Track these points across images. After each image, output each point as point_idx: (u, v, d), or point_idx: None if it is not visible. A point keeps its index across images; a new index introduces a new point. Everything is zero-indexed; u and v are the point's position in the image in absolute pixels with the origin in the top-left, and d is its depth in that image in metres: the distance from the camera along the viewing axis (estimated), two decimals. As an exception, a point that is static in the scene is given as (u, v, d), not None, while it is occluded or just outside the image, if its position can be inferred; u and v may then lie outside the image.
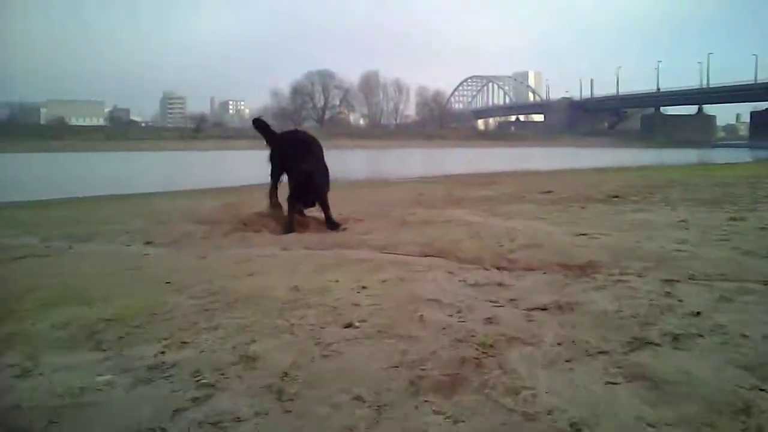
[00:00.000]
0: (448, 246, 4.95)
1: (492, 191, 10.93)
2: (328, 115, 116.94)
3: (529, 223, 6.31)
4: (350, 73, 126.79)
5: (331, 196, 6.98)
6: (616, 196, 9.00)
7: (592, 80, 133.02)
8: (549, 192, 10.13)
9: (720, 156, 41.61)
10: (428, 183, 14.73)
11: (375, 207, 8.74)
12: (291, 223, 6.81)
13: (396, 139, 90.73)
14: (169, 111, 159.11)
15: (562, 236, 5.37)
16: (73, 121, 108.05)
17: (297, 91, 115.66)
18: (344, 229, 6.69)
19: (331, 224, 6.89)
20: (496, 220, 6.78)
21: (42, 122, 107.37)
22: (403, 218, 7.16)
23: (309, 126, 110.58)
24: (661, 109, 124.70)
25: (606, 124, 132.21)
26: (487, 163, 32.44)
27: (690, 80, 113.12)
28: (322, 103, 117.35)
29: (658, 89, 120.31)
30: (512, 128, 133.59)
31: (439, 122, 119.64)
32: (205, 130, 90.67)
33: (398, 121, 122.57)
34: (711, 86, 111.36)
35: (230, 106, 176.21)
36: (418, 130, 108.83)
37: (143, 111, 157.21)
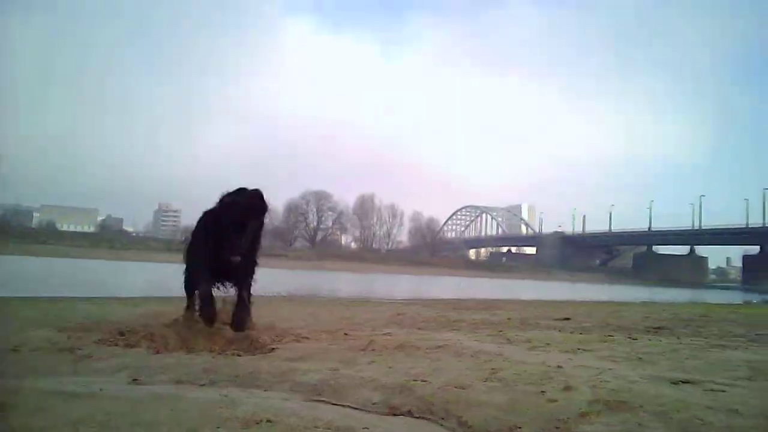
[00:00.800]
0: (442, 395, 2.83)
1: (494, 316, 9.32)
2: (320, 236, 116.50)
3: (575, 358, 4.26)
4: (346, 195, 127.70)
5: (285, 309, 5.40)
6: (660, 328, 7.28)
7: (584, 216, 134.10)
8: (566, 319, 8.60)
9: (714, 297, 40.29)
10: (414, 304, 13.02)
11: (335, 325, 7.08)
12: (207, 310, 5.72)
13: (387, 264, 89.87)
14: (163, 222, 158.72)
15: (652, 385, 3.20)
16: (65, 227, 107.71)
17: (291, 209, 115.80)
18: (270, 350, 5.12)
19: (239, 322, 5.69)
20: (519, 350, 4.83)
21: (33, 226, 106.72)
22: (370, 340, 5.37)
23: (300, 246, 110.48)
24: (654, 248, 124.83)
25: (597, 261, 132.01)
26: (480, 291, 31.03)
27: (682, 221, 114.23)
28: (315, 223, 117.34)
29: (650, 228, 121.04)
30: (504, 259, 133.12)
31: (431, 249, 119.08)
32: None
33: (390, 246, 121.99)
34: (703, 227, 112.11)
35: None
36: (410, 256, 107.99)
37: (137, 221, 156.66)
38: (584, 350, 4.83)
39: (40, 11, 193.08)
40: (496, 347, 5.03)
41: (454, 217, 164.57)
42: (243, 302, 5.83)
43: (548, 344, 5.29)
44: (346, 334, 5.96)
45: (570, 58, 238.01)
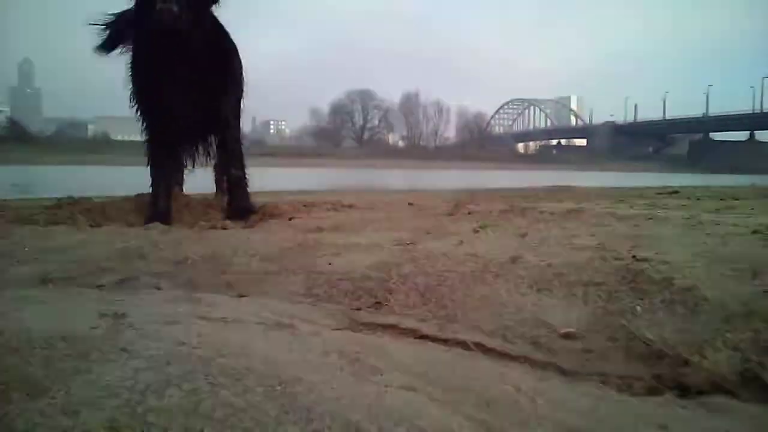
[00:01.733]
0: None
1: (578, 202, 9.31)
2: (366, 135, 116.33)
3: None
4: (390, 94, 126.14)
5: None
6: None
7: (636, 105, 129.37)
8: (676, 192, 8.38)
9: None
10: (470, 192, 12.78)
11: (375, 202, 6.72)
12: (157, 204, 4.26)
13: (435, 160, 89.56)
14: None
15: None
16: (119, 137, 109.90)
17: (336, 110, 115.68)
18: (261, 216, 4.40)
19: (239, 207, 4.42)
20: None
21: (88, 138, 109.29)
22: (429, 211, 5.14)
23: (348, 146, 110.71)
24: (711, 134, 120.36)
25: (651, 149, 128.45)
26: (535, 181, 30.65)
27: (741, 104, 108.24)
28: (361, 122, 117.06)
29: (707, 114, 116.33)
30: (554, 152, 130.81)
31: (479, 144, 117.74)
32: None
33: (438, 143, 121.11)
34: (764, 111, 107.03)
35: (271, 126, 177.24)
36: (458, 152, 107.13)
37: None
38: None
39: None
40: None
41: (501, 110, 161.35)
42: (236, 180, 4.60)
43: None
44: (390, 205, 5.66)
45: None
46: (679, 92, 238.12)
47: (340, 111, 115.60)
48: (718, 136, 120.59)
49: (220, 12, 4.27)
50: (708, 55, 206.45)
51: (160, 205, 4.28)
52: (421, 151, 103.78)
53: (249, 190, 4.85)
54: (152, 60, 3.94)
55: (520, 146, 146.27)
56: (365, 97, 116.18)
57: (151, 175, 4.51)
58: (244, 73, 4.88)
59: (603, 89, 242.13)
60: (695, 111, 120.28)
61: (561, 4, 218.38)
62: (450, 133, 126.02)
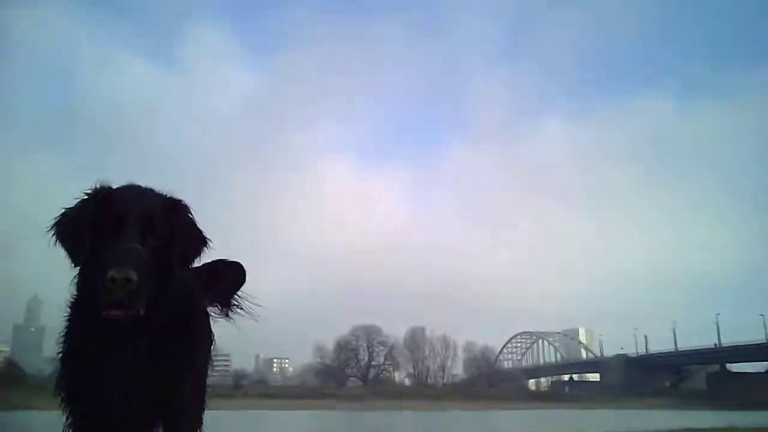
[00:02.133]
0: None
1: None
2: (372, 373, 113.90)
3: None
4: (396, 329, 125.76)
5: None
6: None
7: (645, 336, 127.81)
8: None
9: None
10: None
11: None
12: None
13: (442, 400, 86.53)
14: (215, 368, 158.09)
15: None
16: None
17: (341, 346, 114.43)
18: None
19: None
20: None
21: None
22: None
23: (353, 384, 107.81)
24: (728, 366, 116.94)
25: (667, 383, 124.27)
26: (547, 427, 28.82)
27: (752, 334, 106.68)
28: (366, 359, 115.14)
29: (720, 344, 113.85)
30: (566, 388, 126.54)
31: (488, 381, 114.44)
32: (244, 387, 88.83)
33: (445, 380, 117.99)
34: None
35: (274, 364, 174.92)
36: (466, 389, 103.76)
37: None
38: None
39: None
40: None
41: (509, 344, 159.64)
42: None
43: None
44: None
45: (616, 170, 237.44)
46: (687, 322, 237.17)
47: (344, 348, 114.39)
48: (735, 367, 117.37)
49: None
50: (715, 283, 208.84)
51: None
52: (428, 390, 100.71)
53: None
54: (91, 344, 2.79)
55: (531, 382, 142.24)
56: (371, 332, 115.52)
57: None
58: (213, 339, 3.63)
59: (610, 321, 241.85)
60: (706, 341, 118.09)
61: (561, 235, 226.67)
62: (458, 368, 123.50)
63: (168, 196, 3.07)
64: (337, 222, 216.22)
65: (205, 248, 3.13)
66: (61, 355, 2.98)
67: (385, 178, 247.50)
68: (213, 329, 3.67)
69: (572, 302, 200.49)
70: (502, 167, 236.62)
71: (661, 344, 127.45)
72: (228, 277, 3.91)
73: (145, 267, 2.61)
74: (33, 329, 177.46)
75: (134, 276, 2.50)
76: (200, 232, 3.14)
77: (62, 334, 3.01)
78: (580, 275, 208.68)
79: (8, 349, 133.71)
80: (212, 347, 3.67)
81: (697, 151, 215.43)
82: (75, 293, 2.93)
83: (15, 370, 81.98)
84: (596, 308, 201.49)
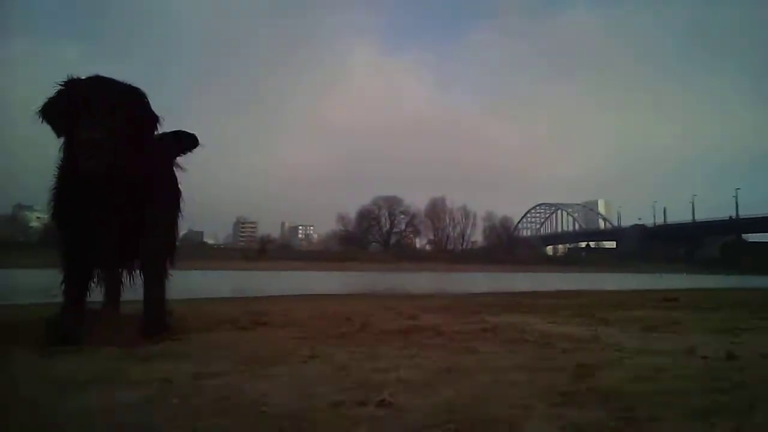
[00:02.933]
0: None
1: (584, 300, 8.98)
2: (393, 239, 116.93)
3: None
4: (417, 199, 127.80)
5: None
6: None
7: (665, 208, 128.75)
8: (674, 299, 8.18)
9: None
10: (480, 296, 12.58)
11: (336, 314, 6.43)
12: (64, 324, 3.93)
13: (461, 264, 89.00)
14: (241, 234, 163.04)
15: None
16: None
17: (363, 215, 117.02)
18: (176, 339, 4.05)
19: (151, 324, 4.15)
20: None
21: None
22: (376, 326, 5.06)
23: (374, 249, 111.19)
24: (743, 236, 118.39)
25: (682, 252, 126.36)
26: (559, 283, 30.21)
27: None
28: (387, 227, 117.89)
29: (737, 216, 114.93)
30: (583, 254, 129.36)
31: (507, 248, 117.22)
32: (269, 252, 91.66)
33: (464, 247, 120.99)
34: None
35: (300, 231, 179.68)
36: (485, 255, 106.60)
37: (217, 234, 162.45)
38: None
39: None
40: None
41: (528, 215, 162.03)
42: (152, 298, 4.29)
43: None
44: (336, 322, 5.52)
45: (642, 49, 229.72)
46: (707, 195, 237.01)
47: (366, 217, 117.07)
48: (752, 237, 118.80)
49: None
50: (735, 158, 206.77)
51: (68, 325, 3.94)
52: (448, 255, 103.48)
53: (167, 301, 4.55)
54: (74, 189, 4.03)
55: (549, 249, 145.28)
56: (392, 202, 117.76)
57: (63, 292, 4.14)
58: (180, 195, 4.95)
59: (630, 193, 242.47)
60: (724, 213, 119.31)
61: (583, 109, 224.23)
62: (477, 237, 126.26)
63: (127, 84, 4.16)
64: (361, 100, 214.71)
65: (155, 123, 4.28)
66: (53, 197, 4.10)
67: (408, 62, 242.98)
68: (180, 188, 4.88)
69: (593, 175, 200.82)
70: (524, 50, 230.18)
71: (678, 216, 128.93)
72: (184, 142, 4.95)
73: (106, 131, 3.71)
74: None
75: (97, 135, 3.63)
76: (151, 111, 4.26)
77: (53, 186, 4.11)
78: (602, 150, 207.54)
79: (45, 215, 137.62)
80: (180, 200, 4.87)
81: (726, 33, 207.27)
82: (60, 158, 4.08)
83: (53, 236, 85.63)
84: (617, 181, 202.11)
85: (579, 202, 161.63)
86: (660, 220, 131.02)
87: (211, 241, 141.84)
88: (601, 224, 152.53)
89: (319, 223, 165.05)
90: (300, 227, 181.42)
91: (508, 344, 4.13)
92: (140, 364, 3.15)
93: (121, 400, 2.43)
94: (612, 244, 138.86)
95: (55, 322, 4.04)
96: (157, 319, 4.25)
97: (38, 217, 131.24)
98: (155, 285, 4.33)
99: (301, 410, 2.31)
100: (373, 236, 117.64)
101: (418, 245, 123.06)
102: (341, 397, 2.50)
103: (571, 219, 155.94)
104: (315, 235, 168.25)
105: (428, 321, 5.81)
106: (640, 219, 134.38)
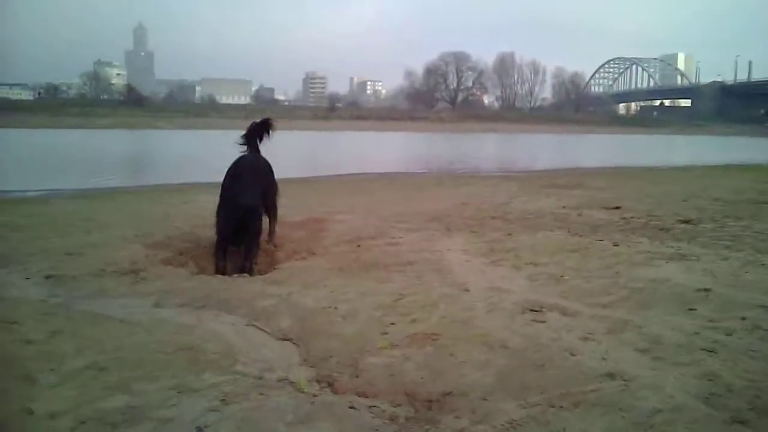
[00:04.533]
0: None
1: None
2: (460, 96, 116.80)
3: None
4: (485, 55, 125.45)
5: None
6: None
7: (750, 62, 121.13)
8: (616, 207, 8.67)
9: None
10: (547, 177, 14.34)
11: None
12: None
13: (528, 123, 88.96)
14: (311, 89, 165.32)
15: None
16: (223, 99, 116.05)
17: (430, 71, 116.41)
18: (271, 270, 5.31)
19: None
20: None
21: (196, 100, 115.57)
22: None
23: (441, 107, 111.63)
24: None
25: (762, 111, 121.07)
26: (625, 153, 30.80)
27: None
28: (455, 84, 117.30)
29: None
30: (654, 113, 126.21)
31: (576, 106, 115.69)
32: (338, 110, 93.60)
33: (532, 104, 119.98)
34: None
35: (368, 86, 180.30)
36: (553, 113, 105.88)
37: (287, 90, 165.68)
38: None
39: None
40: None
41: (600, 70, 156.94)
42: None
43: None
44: (359, 245, 6.08)
45: None
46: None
47: (434, 73, 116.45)
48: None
49: None
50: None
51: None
52: (515, 114, 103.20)
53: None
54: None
55: (621, 107, 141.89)
56: (459, 58, 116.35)
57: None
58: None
59: (712, 47, 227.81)
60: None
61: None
62: (546, 93, 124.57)
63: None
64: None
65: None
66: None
67: None
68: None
69: (675, 26, 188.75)
70: None
71: (763, 73, 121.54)
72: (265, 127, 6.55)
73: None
74: (143, 54, 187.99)
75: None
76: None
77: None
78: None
79: (124, 73, 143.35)
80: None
81: None
82: None
83: (134, 94, 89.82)
84: (700, 32, 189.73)
85: (656, 56, 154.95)
86: (743, 77, 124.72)
87: (281, 98, 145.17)
88: (678, 80, 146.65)
89: (387, 79, 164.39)
90: (368, 83, 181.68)
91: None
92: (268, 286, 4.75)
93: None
94: (687, 103, 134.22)
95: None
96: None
97: (118, 74, 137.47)
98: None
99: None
100: (440, 93, 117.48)
101: (486, 102, 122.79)
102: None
103: (646, 75, 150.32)
104: (383, 91, 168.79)
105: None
106: (719, 75, 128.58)
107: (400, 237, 6.37)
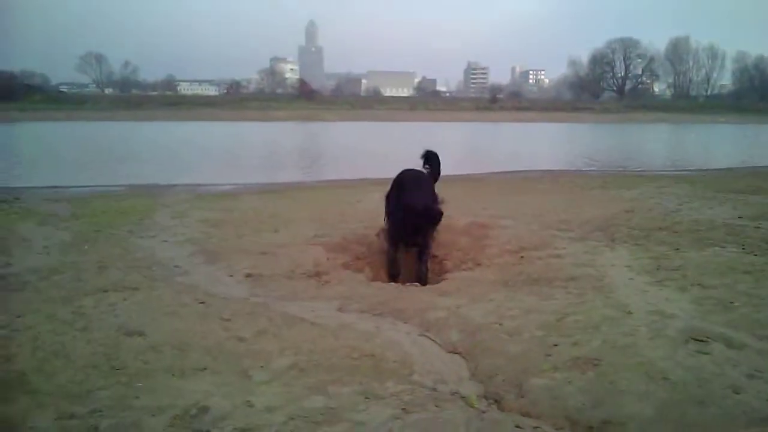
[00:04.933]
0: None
1: None
2: (628, 85, 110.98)
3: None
4: (656, 40, 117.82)
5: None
6: None
7: None
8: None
9: None
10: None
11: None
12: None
13: (704, 113, 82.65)
14: (472, 80, 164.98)
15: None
16: (387, 92, 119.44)
17: (596, 59, 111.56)
18: (440, 280, 5.59)
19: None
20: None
21: (362, 93, 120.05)
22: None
23: (607, 96, 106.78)
24: None
25: None
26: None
27: None
28: (622, 72, 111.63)
29: None
30: None
31: (760, 93, 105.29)
32: (500, 101, 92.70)
33: (709, 92, 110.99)
34: None
35: (530, 76, 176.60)
36: (733, 102, 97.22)
37: (449, 81, 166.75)
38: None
39: None
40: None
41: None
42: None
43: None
44: (522, 256, 6.12)
45: None
46: None
47: (599, 61, 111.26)
48: None
49: None
50: None
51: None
52: (689, 102, 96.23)
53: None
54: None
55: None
56: (627, 45, 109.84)
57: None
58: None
59: None
60: None
61: None
62: (725, 80, 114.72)
63: None
64: None
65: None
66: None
67: None
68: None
69: None
70: None
71: None
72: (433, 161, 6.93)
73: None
74: (313, 49, 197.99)
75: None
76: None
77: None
78: None
79: (297, 67, 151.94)
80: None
81: None
82: None
83: (305, 87, 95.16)
84: None
85: None
86: None
87: (443, 89, 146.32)
88: None
89: (550, 68, 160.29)
90: (530, 72, 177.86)
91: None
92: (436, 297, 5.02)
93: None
94: None
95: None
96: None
97: (291, 69, 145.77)
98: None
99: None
100: (607, 83, 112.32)
101: (656, 90, 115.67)
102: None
103: None
104: (546, 80, 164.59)
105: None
106: None
107: (563, 248, 6.36)
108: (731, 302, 4.46)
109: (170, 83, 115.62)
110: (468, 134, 43.99)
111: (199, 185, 13.60)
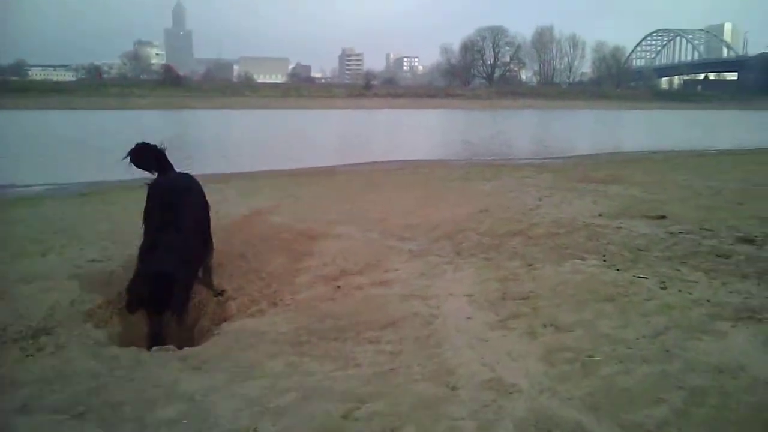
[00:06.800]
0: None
1: None
2: (497, 72, 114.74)
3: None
4: (523, 29, 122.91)
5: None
6: None
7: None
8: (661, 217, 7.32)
9: None
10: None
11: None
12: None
13: (568, 99, 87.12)
14: (347, 67, 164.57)
15: None
16: (260, 78, 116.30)
17: (467, 47, 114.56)
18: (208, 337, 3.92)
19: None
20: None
21: (234, 79, 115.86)
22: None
23: (478, 83, 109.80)
24: None
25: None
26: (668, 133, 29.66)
27: None
28: (491, 59, 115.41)
29: None
30: (699, 87, 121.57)
31: (616, 81, 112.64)
32: (374, 87, 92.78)
33: (571, 80, 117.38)
34: None
35: (405, 63, 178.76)
36: (592, 89, 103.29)
37: (324, 68, 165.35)
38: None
39: None
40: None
41: (642, 43, 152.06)
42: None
43: None
44: (339, 286, 4.90)
45: None
46: None
47: (470, 49, 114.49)
48: None
49: None
50: None
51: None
52: (553, 90, 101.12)
53: None
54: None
55: (664, 81, 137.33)
56: (497, 33, 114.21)
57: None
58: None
59: (763, 15, 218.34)
60: None
61: None
62: (585, 68, 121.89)
63: None
64: None
65: None
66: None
67: None
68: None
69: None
70: None
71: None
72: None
73: None
74: (182, 33, 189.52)
75: None
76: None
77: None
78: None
79: (163, 52, 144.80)
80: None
81: None
82: None
83: (172, 74, 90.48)
84: (747, 1, 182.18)
85: (701, 27, 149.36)
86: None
87: (318, 75, 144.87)
88: (725, 52, 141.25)
89: (424, 55, 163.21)
90: (405, 59, 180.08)
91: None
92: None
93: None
94: (733, 76, 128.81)
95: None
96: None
97: (157, 54, 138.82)
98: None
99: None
100: (477, 70, 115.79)
101: (523, 78, 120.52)
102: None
103: (690, 47, 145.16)
104: (420, 67, 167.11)
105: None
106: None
107: (396, 269, 5.24)
108: (590, 356, 3.37)
109: (19, 68, 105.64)
110: (338, 122, 43.19)
111: None
